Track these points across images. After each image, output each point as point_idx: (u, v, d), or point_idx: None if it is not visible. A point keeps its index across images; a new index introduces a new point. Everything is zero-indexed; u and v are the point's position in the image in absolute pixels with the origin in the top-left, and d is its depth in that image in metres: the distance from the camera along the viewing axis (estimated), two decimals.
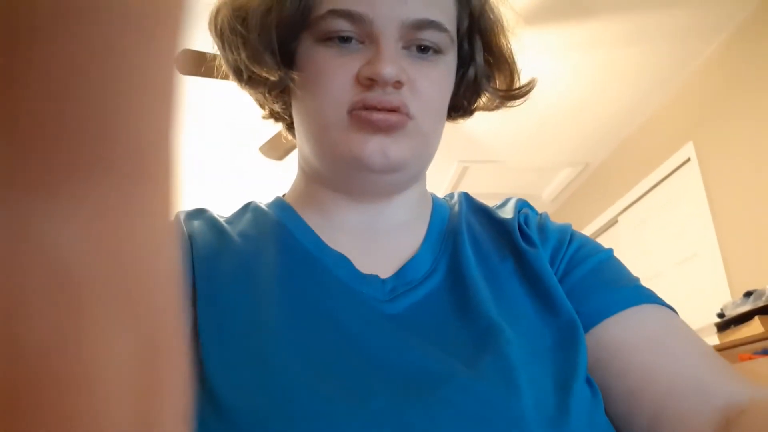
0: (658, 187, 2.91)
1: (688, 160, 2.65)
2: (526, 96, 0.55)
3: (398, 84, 0.45)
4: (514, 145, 3.04)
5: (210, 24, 0.49)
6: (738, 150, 2.33)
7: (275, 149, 2.30)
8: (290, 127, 0.57)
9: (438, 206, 0.55)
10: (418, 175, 0.51)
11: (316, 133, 0.48)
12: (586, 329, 0.45)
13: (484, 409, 0.37)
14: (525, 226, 0.51)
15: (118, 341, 0.08)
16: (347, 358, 0.39)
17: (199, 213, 0.52)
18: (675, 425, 0.39)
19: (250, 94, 0.54)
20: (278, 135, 2.11)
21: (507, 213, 0.54)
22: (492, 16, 0.53)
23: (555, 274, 0.48)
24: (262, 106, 0.56)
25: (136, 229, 0.09)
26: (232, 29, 0.48)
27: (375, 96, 0.45)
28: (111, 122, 0.08)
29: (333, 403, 0.36)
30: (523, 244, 0.49)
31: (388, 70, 0.44)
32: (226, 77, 0.53)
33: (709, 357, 0.42)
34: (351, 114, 0.45)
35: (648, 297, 0.46)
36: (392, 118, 0.45)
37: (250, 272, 0.45)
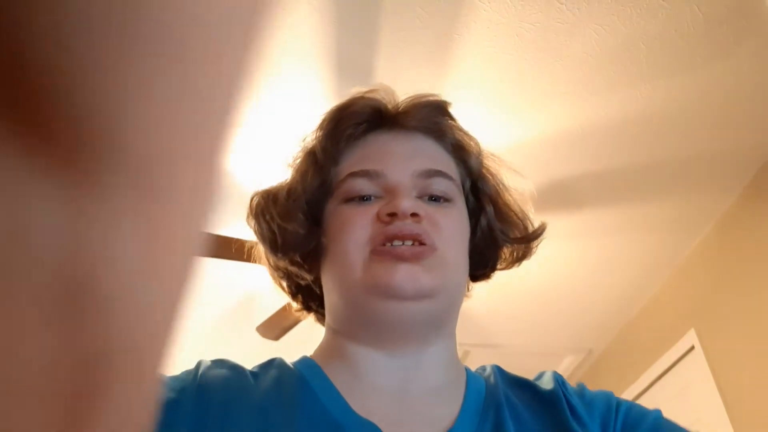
0: (666, 377, 2.85)
1: (692, 348, 2.62)
2: (540, 238, 0.57)
3: (416, 217, 0.47)
4: (516, 329, 3.04)
5: (247, 210, 0.54)
6: (741, 334, 2.34)
7: (272, 329, 2.29)
8: (319, 315, 0.58)
9: (473, 376, 0.54)
10: (449, 311, 0.51)
11: (344, 277, 0.49)
12: None
13: None
14: (569, 395, 0.50)
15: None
16: None
17: (223, 362, 0.50)
18: None
19: (283, 275, 0.56)
20: (275, 315, 2.13)
21: (546, 385, 0.53)
22: (491, 178, 0.58)
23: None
24: (293, 294, 0.57)
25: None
26: (266, 206, 0.53)
27: (396, 227, 0.47)
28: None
29: None
30: (572, 421, 0.48)
31: (406, 202, 0.47)
32: (254, 260, 0.57)
33: None
34: (374, 251, 0.47)
35: None
36: (417, 248, 0.46)
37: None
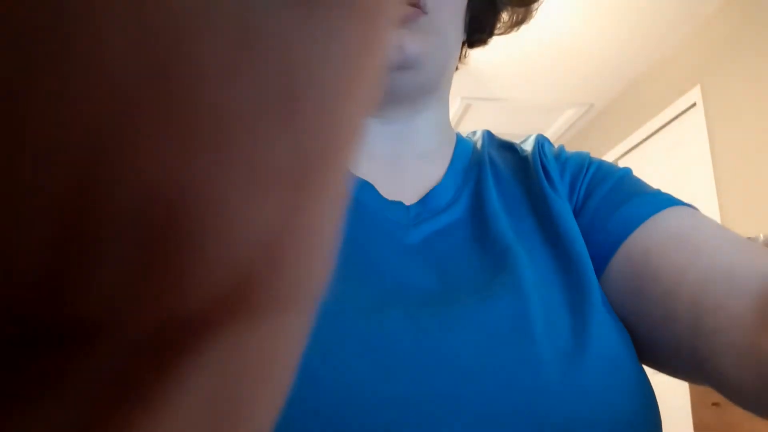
0: (662, 132, 2.85)
1: (694, 104, 2.65)
2: (541, 1, 0.56)
3: None
4: (519, 83, 3.00)
5: None
6: (744, 97, 2.35)
7: None
8: None
9: (461, 141, 0.55)
10: (437, 79, 0.49)
11: None
12: (616, 246, 0.45)
13: (495, 321, 0.38)
14: (545, 158, 0.51)
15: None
16: (367, 277, 0.40)
17: None
18: (714, 317, 0.38)
19: None
20: None
21: (527, 147, 0.54)
22: None
23: (576, 197, 0.49)
24: None
25: None
26: None
27: None
28: None
29: (352, 313, 0.37)
30: (544, 181, 0.49)
31: None
32: None
33: (739, 244, 0.41)
34: None
35: (668, 201, 0.46)
36: (405, 8, 0.44)
37: None
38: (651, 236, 0.44)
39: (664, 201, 0.46)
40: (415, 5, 0.44)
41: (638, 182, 0.50)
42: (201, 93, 0.07)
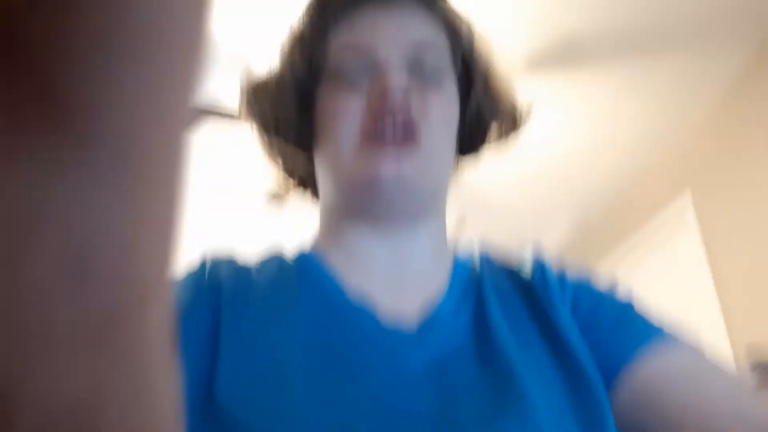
0: (656, 237, 2.88)
1: (685, 209, 2.66)
2: (528, 117, 0.57)
3: (408, 92, 0.46)
4: (511, 194, 3.05)
5: (240, 95, 0.55)
6: (735, 200, 2.37)
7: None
8: (313, 194, 0.58)
9: (458, 259, 0.54)
10: (434, 200, 0.50)
11: (334, 164, 0.48)
12: (618, 370, 0.44)
13: None
14: (544, 284, 0.50)
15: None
16: (365, 410, 0.39)
17: (228, 260, 0.50)
18: None
19: (279, 160, 0.56)
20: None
21: (526, 268, 0.53)
22: (481, 57, 0.56)
23: (578, 319, 0.48)
24: (289, 173, 0.58)
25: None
26: (256, 99, 0.54)
27: (387, 102, 0.45)
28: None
29: None
30: (546, 303, 0.49)
31: (396, 78, 0.46)
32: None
33: (741, 383, 0.42)
34: (363, 134, 0.46)
35: (674, 335, 0.46)
36: (400, 137, 0.45)
37: (275, 321, 0.44)
38: (658, 363, 0.44)
39: (670, 335, 0.46)
40: (409, 134, 0.45)
41: (645, 312, 0.49)
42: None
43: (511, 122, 0.57)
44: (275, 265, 0.51)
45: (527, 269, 0.53)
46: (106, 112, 0.07)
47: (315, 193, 0.58)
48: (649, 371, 0.43)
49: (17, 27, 0.06)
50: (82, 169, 0.07)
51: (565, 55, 2.08)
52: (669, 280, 2.76)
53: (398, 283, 0.50)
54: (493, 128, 0.57)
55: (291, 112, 0.52)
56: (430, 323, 0.47)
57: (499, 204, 3.25)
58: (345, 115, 0.47)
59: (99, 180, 0.07)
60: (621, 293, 0.52)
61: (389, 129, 0.45)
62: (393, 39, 0.49)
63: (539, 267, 0.53)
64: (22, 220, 0.07)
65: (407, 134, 0.45)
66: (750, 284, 2.25)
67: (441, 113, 0.48)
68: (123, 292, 0.08)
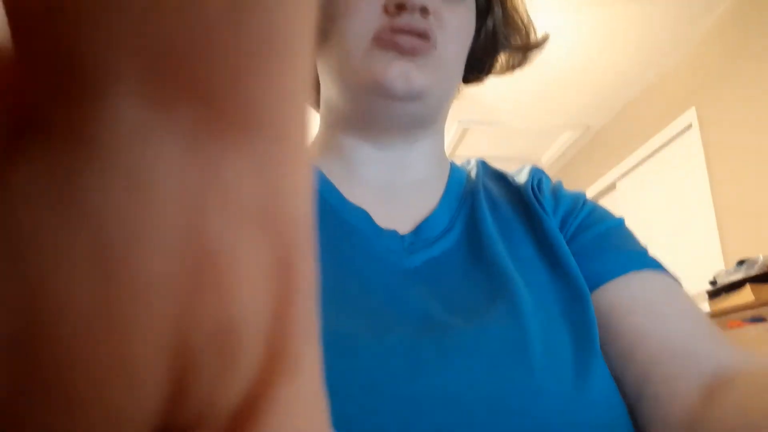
0: (658, 154, 2.87)
1: (690, 126, 2.67)
2: (541, 48, 0.57)
3: (425, 12, 0.44)
4: (516, 107, 3.00)
5: None
6: (740, 118, 2.36)
7: None
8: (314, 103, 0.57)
9: (455, 169, 0.55)
10: (437, 112, 0.50)
11: (339, 64, 0.47)
12: (590, 290, 0.45)
13: (493, 349, 0.38)
14: (538, 191, 0.51)
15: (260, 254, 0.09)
16: (366, 301, 0.40)
17: None
18: (661, 388, 0.39)
19: None
20: None
21: (521, 178, 0.54)
22: None
23: (564, 237, 0.49)
24: None
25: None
26: None
27: (403, 20, 0.44)
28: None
29: (351, 337, 0.37)
30: (537, 207, 0.49)
31: None
32: None
33: (702, 324, 0.42)
34: (375, 39, 0.44)
35: (652, 264, 0.45)
36: (417, 41, 0.44)
37: None
38: (622, 293, 0.44)
39: (646, 262, 0.46)
40: (425, 37, 0.44)
41: (628, 235, 0.49)
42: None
43: (523, 53, 0.57)
44: None
45: (523, 178, 0.54)
46: (266, 106, 0.08)
47: (315, 103, 0.56)
48: (614, 299, 0.44)
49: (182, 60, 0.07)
50: (256, 152, 0.08)
51: None
52: (670, 193, 2.80)
53: (394, 193, 0.50)
54: (502, 55, 0.56)
55: None
56: (423, 227, 0.48)
57: (502, 120, 3.22)
58: (358, 14, 0.45)
59: (270, 158, 0.08)
60: (612, 216, 0.52)
61: (404, 35, 0.44)
62: None
63: (536, 175, 0.54)
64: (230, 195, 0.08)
65: (421, 43, 0.45)
66: (745, 202, 2.28)
67: (457, 27, 0.47)
68: (300, 230, 0.09)
